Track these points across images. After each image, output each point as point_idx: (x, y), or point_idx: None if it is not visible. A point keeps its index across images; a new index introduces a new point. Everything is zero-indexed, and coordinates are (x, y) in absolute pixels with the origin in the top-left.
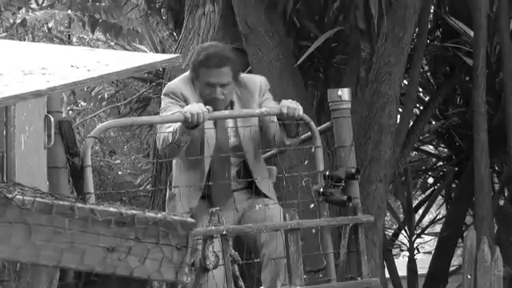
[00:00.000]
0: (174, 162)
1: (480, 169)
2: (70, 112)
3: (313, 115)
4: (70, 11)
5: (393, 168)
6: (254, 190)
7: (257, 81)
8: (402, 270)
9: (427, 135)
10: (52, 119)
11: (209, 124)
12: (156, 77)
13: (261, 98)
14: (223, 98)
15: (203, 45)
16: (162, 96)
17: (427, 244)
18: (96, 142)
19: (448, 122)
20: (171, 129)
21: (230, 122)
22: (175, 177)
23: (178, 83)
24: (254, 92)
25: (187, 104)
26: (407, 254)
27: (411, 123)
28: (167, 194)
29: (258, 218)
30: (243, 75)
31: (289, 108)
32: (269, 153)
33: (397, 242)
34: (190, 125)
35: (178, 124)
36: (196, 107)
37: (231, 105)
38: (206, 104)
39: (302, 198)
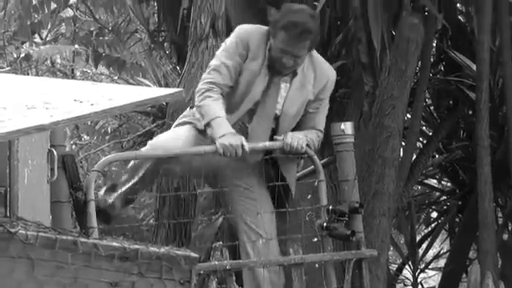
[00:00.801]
0: None
1: (484, 203)
2: (74, 146)
3: (316, 149)
4: (76, 46)
5: (396, 202)
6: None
7: (328, 75)
8: None
9: (430, 169)
10: (55, 153)
11: (261, 83)
12: (159, 111)
13: (318, 95)
14: (291, 66)
15: (292, 6)
16: (231, 34)
17: (431, 279)
18: (99, 176)
19: (451, 155)
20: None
21: (283, 90)
22: None
23: (252, 31)
24: (318, 83)
25: (246, 57)
26: None
27: (414, 157)
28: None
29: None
30: (319, 57)
31: (292, 142)
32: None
33: (401, 277)
34: (223, 155)
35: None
36: (234, 140)
37: (294, 75)
38: (272, 62)
39: (305, 233)
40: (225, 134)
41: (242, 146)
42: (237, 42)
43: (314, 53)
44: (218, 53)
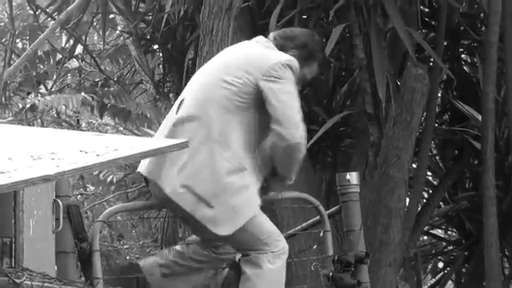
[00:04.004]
0: (237, 136)
1: (490, 253)
2: (79, 196)
3: (322, 199)
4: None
5: (402, 252)
6: None
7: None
8: None
9: (436, 219)
10: (60, 204)
11: None
12: None
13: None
14: None
15: (316, 36)
16: (281, 67)
17: None
18: (104, 227)
19: (457, 205)
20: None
21: None
22: (243, 154)
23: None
24: None
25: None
26: None
27: (420, 207)
28: (240, 181)
29: None
30: None
31: None
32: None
33: None
34: None
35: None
36: None
37: None
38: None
39: (311, 283)
40: None
41: None
42: (294, 75)
43: None
44: (291, 89)
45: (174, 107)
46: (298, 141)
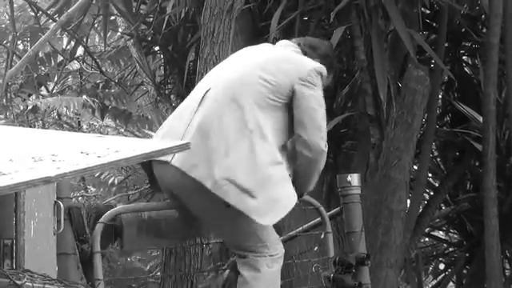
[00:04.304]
0: (271, 132)
1: (491, 254)
2: (80, 198)
3: (323, 201)
4: (84, 96)
5: (403, 254)
6: None
7: None
8: None
9: (437, 220)
10: (61, 205)
11: None
12: None
13: None
14: None
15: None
16: (316, 74)
17: None
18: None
19: (458, 207)
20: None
21: None
22: (276, 149)
23: None
24: None
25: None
26: None
27: (421, 208)
28: (281, 173)
29: None
30: None
31: None
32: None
33: None
34: None
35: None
36: None
37: None
38: None
39: (312, 285)
40: None
41: None
42: (321, 81)
43: None
44: (321, 97)
45: (194, 100)
46: (322, 148)
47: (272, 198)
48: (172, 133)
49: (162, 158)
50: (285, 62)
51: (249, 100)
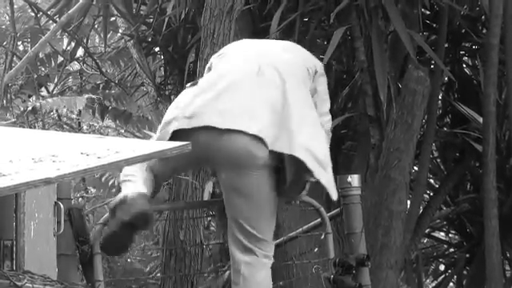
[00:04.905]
0: None
1: (491, 255)
2: (80, 199)
3: (323, 201)
4: (86, 95)
5: (403, 255)
6: None
7: None
8: None
9: (438, 221)
10: (62, 206)
11: None
12: None
13: None
14: None
15: None
16: (320, 70)
17: None
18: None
19: (458, 208)
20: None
21: None
22: None
23: None
24: None
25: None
26: None
27: (421, 209)
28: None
29: None
30: None
31: None
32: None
33: None
34: None
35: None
36: None
37: None
38: None
39: (312, 286)
40: None
41: None
42: None
43: None
44: (326, 90)
45: (246, 75)
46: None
47: (332, 175)
48: (233, 107)
49: (232, 127)
50: (308, 55)
51: (299, 79)
